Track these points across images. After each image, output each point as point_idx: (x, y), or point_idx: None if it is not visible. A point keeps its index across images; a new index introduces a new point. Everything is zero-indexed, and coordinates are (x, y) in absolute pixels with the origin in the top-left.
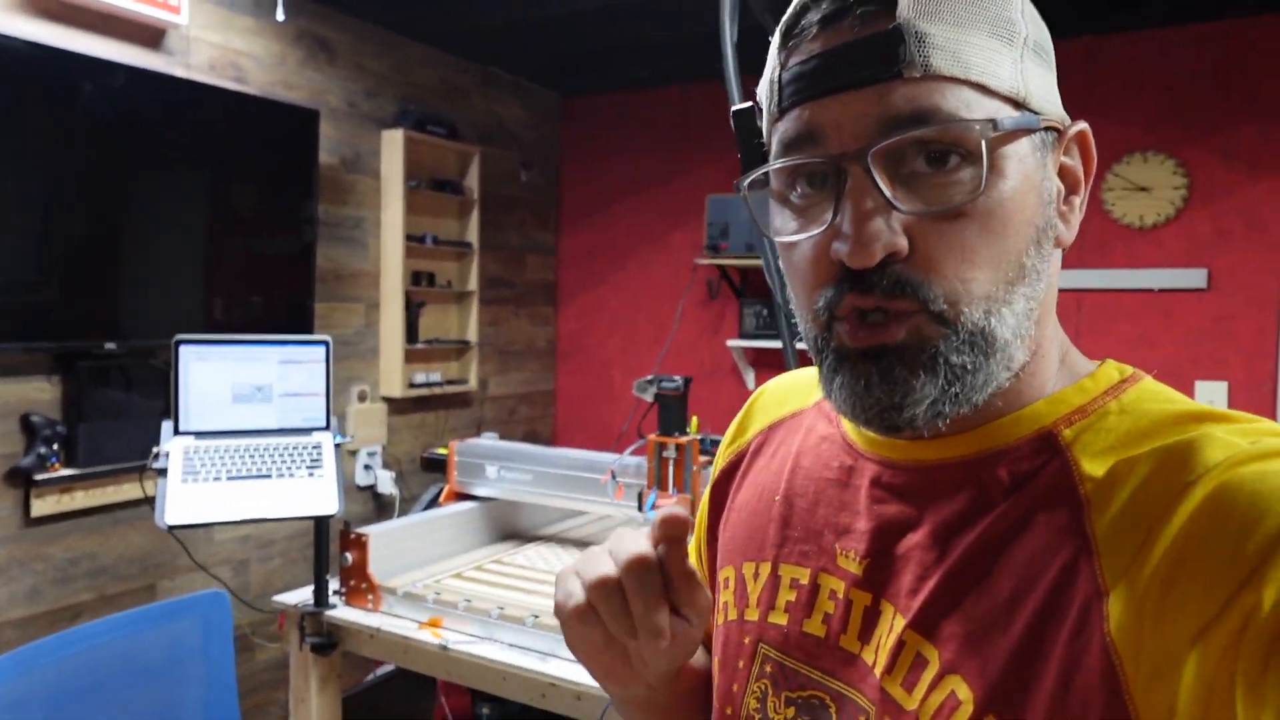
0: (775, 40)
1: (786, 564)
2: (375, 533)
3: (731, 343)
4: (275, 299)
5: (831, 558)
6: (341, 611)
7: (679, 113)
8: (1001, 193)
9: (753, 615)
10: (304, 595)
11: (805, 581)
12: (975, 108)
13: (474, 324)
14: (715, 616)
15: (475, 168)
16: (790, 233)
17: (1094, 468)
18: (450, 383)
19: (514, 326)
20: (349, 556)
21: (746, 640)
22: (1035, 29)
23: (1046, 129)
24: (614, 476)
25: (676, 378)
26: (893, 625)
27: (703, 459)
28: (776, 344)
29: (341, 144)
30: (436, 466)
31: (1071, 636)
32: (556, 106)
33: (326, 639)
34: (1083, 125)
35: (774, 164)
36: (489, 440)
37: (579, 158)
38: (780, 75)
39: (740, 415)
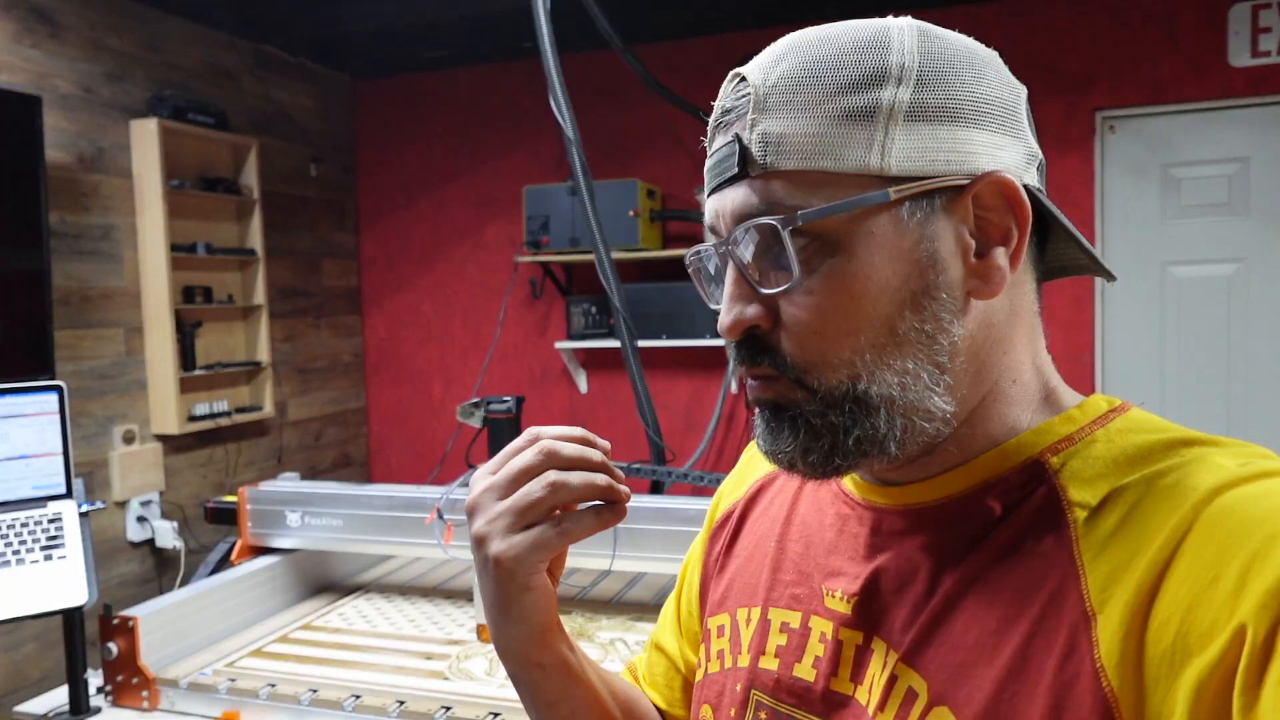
0: None
1: (776, 608)
2: (147, 613)
3: (561, 345)
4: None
5: (820, 600)
6: (109, 716)
7: (487, 95)
8: (848, 266)
9: (744, 661)
10: (58, 699)
11: (796, 625)
12: (818, 193)
13: (265, 342)
14: (707, 665)
15: (253, 162)
16: (715, 303)
17: (1081, 494)
18: (241, 411)
19: (314, 341)
20: (113, 647)
21: (738, 687)
22: (927, 93)
23: (932, 191)
24: (440, 515)
25: (507, 398)
26: (886, 662)
27: None
28: (608, 343)
29: (78, 137)
30: (225, 518)
31: (1060, 662)
32: (348, 91)
33: None
34: (994, 176)
35: (694, 249)
36: (288, 482)
37: (376, 148)
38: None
39: (739, 465)
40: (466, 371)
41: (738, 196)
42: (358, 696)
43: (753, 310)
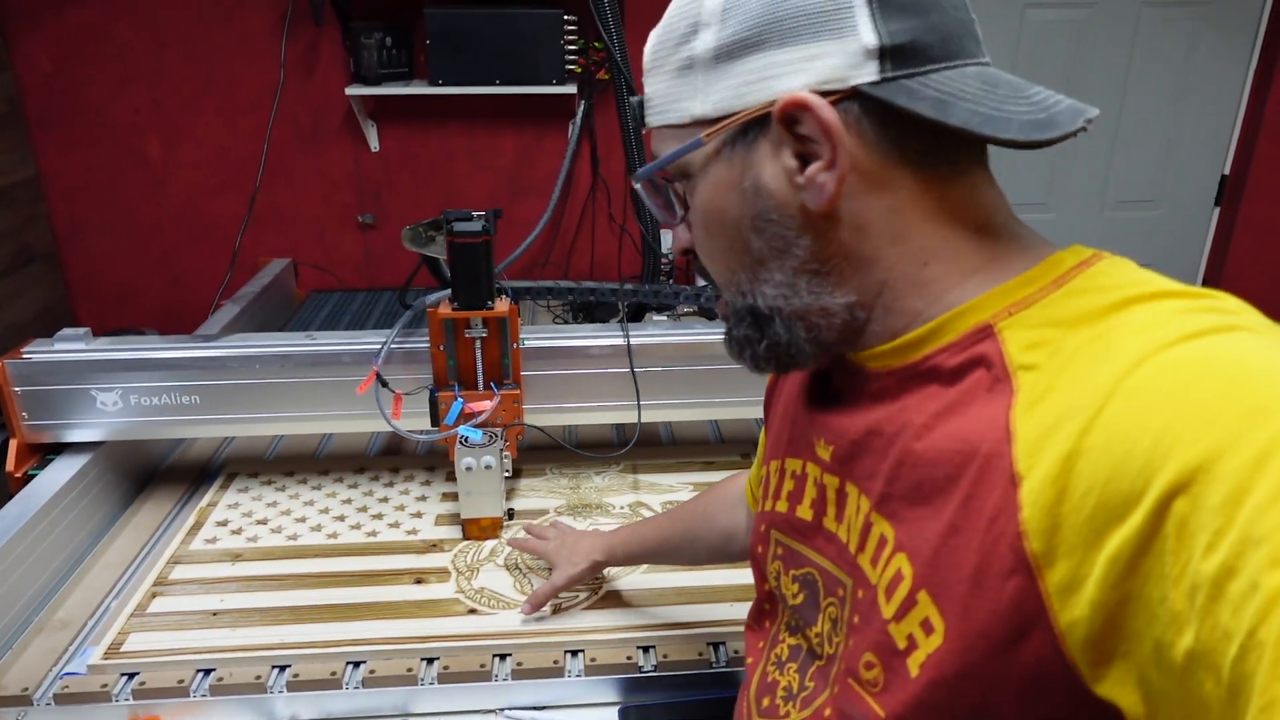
0: None
1: (790, 458)
2: None
3: (354, 90)
4: None
5: (813, 449)
6: None
7: None
8: (700, 204)
9: (768, 505)
10: None
11: (799, 472)
12: (672, 146)
13: None
14: (756, 508)
15: None
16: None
17: (1022, 356)
18: None
19: None
20: None
21: (764, 527)
22: (730, 28)
23: (744, 126)
24: (381, 380)
25: (476, 215)
26: (859, 506)
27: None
28: (413, 89)
29: None
30: None
31: (989, 522)
32: None
33: None
34: (784, 99)
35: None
36: (77, 343)
37: None
38: None
39: None
40: (197, 124)
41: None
42: (358, 664)
43: (683, 235)
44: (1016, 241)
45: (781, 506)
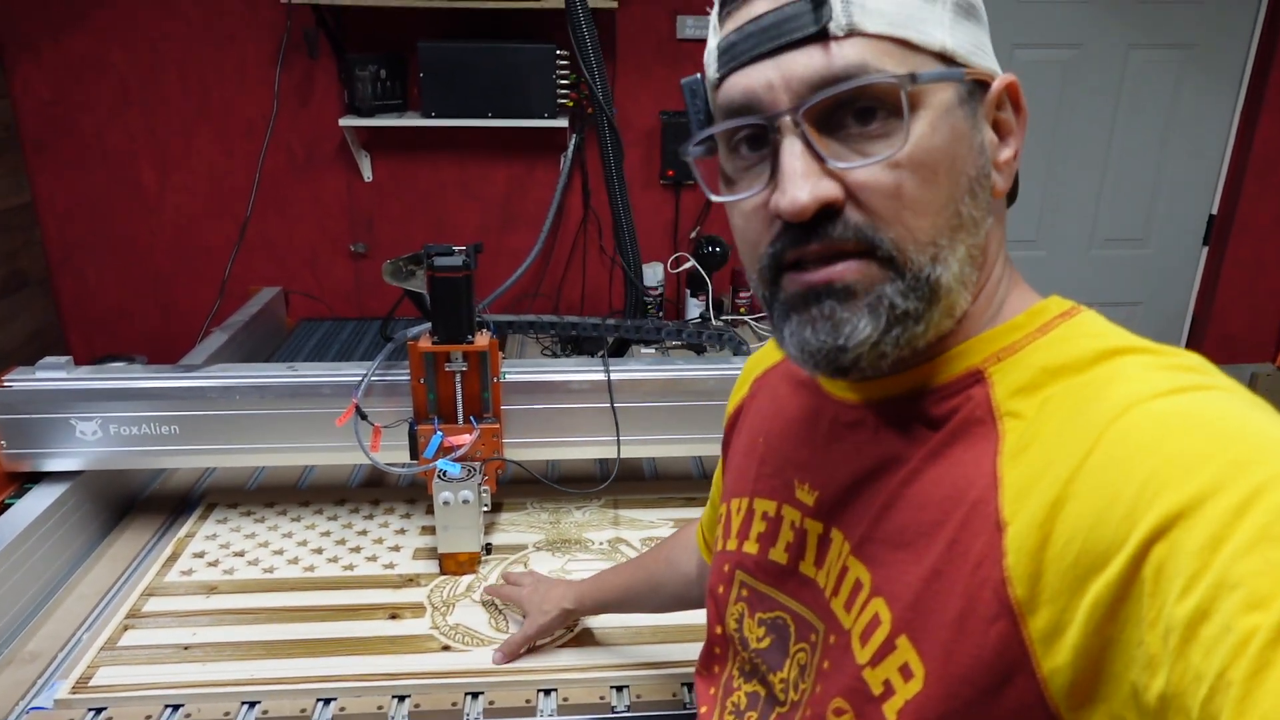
0: (715, 7)
1: (760, 498)
2: None
3: (348, 121)
4: None
5: (791, 491)
6: None
7: None
8: (931, 142)
9: (733, 546)
10: None
11: (772, 514)
12: (901, 63)
13: None
14: (715, 546)
15: None
16: (733, 194)
17: (1010, 404)
18: None
19: None
20: None
21: (727, 568)
22: None
23: (975, 81)
24: (361, 413)
25: (456, 249)
26: (841, 551)
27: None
28: (406, 120)
29: None
30: None
31: (974, 567)
32: None
33: None
34: (1010, 77)
35: (714, 128)
36: (58, 372)
37: None
38: (720, 43)
39: (746, 364)
40: (191, 151)
41: (812, 61)
42: (327, 701)
43: (829, 184)
44: (1015, 280)
45: (751, 548)
